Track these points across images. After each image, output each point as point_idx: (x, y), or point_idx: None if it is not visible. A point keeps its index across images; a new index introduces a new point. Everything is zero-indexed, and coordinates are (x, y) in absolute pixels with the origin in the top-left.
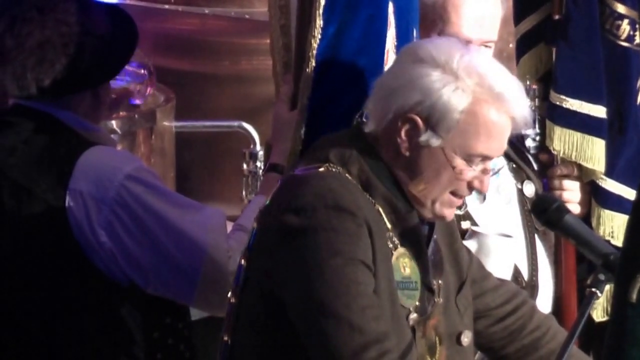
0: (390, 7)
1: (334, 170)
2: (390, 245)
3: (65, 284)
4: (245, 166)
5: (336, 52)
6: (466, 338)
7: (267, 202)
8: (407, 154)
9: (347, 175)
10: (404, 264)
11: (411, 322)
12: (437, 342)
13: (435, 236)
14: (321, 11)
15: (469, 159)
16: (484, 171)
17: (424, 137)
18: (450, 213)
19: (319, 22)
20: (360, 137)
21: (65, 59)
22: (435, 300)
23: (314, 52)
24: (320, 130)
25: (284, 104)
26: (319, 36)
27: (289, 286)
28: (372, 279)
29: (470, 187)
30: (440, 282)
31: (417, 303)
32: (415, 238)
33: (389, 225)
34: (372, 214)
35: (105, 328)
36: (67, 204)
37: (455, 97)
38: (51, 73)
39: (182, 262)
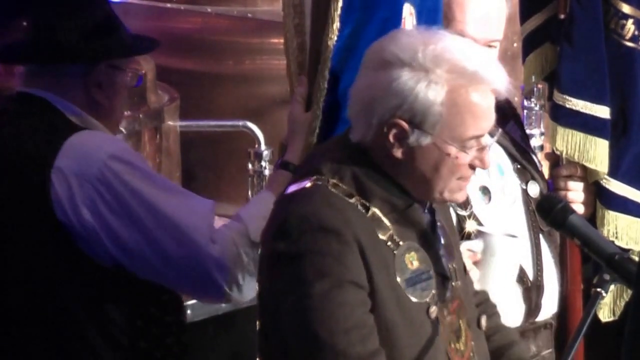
0: (407, 9)
1: (320, 183)
2: (391, 246)
3: (46, 262)
4: (250, 166)
5: (351, 53)
6: (484, 322)
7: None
8: (401, 156)
9: (335, 186)
10: (410, 259)
11: (433, 315)
12: (463, 326)
13: (439, 223)
14: (339, 12)
15: (463, 144)
16: (481, 149)
17: (412, 138)
18: (462, 196)
19: (337, 23)
20: (350, 143)
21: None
22: (453, 283)
23: (331, 53)
24: (334, 131)
25: (299, 105)
26: (335, 38)
27: (279, 311)
28: (364, 297)
29: (473, 167)
30: (454, 265)
31: (434, 291)
32: (420, 229)
33: (389, 225)
34: (364, 224)
35: (86, 309)
36: (50, 183)
37: (431, 92)
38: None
39: (162, 243)
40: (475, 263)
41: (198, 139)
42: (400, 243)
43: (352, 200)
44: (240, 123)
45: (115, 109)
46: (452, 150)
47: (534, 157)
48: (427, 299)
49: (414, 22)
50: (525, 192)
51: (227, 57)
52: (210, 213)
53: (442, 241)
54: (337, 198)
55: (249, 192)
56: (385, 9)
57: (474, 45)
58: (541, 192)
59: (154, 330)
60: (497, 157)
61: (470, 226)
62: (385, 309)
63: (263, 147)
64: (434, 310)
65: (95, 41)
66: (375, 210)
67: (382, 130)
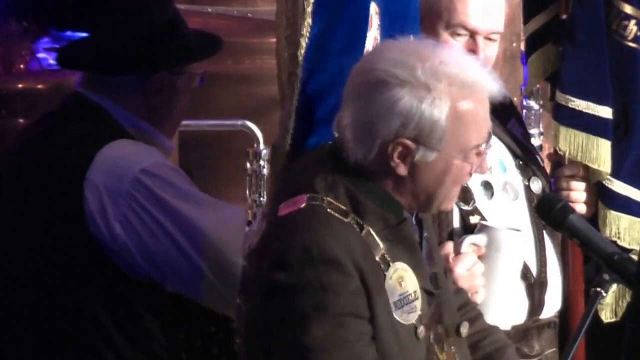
0: (373, 8)
1: (315, 203)
2: (383, 267)
3: (79, 274)
4: (248, 165)
5: (322, 53)
6: (464, 329)
7: (256, 243)
8: (405, 173)
9: (330, 205)
10: (399, 280)
11: (421, 336)
12: (444, 335)
13: (426, 234)
14: (311, 9)
15: (466, 154)
16: (480, 154)
17: (419, 156)
18: (453, 202)
19: (308, 20)
20: (340, 158)
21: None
22: (435, 293)
23: (302, 52)
24: (307, 130)
25: None
26: (308, 36)
27: (275, 342)
28: (365, 328)
29: (471, 174)
30: (436, 270)
31: (420, 312)
32: (410, 246)
33: (381, 244)
34: (362, 247)
35: (118, 321)
36: (83, 195)
37: (435, 109)
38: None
39: (195, 258)
40: (480, 257)
41: (197, 139)
42: (391, 263)
43: (348, 220)
44: (239, 122)
45: (174, 113)
46: (457, 162)
47: (535, 154)
48: (414, 321)
49: (378, 21)
50: (528, 189)
51: (226, 57)
52: (242, 225)
53: (425, 250)
54: (335, 221)
55: (247, 192)
56: (354, 8)
57: (465, 53)
58: (543, 189)
59: (198, 342)
60: (499, 153)
61: (474, 221)
62: (382, 334)
63: (262, 146)
64: (421, 330)
65: (155, 48)
66: (369, 228)
67: (385, 150)
